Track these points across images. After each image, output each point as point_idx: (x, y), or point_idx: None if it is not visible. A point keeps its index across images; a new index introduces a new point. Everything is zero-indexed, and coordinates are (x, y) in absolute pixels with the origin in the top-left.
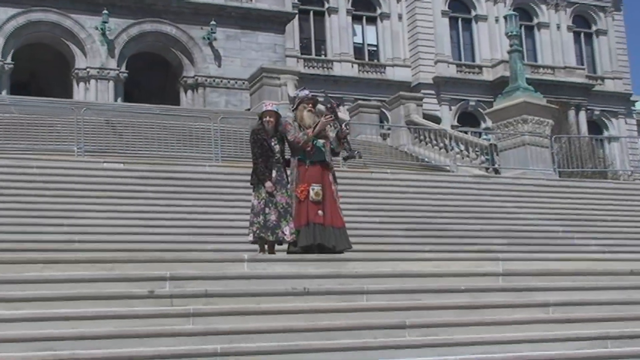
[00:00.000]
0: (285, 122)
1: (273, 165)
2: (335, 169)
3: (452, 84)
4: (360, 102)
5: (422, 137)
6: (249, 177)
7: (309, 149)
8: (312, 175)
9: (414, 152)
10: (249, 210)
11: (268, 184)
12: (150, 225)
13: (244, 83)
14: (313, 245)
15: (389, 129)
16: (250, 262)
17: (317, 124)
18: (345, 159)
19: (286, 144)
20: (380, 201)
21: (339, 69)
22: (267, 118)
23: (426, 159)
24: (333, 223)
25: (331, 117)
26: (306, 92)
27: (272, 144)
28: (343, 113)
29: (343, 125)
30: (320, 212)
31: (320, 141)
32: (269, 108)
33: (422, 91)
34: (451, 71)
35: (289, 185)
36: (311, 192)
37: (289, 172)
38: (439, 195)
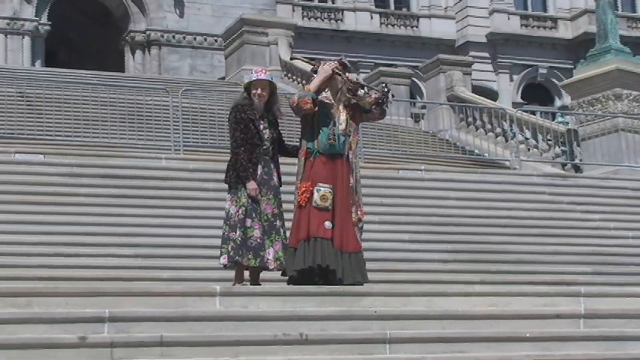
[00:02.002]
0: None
1: (260, 157)
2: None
3: (514, 43)
4: (382, 68)
5: (470, 119)
6: (222, 174)
7: (307, 107)
8: (320, 172)
9: (458, 141)
10: (221, 222)
11: (251, 184)
12: (83, 242)
13: (216, 41)
14: (313, 271)
15: (423, 107)
16: (224, 296)
17: (320, 75)
18: (377, 105)
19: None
20: (411, 210)
21: (352, 22)
22: (259, 90)
23: (476, 151)
24: (343, 245)
25: (337, 66)
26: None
27: (261, 127)
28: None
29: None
30: (327, 223)
31: (340, 118)
32: (262, 77)
33: (471, 53)
34: (513, 25)
35: (280, 188)
36: (315, 194)
37: (298, 164)
38: (494, 202)
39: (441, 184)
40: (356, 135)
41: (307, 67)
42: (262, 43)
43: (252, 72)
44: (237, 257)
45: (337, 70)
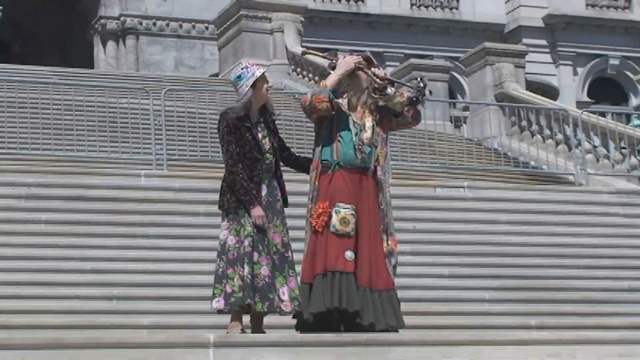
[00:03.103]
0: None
1: (262, 175)
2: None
3: (578, 28)
4: (413, 61)
5: (524, 124)
6: (216, 194)
7: (322, 106)
8: (340, 189)
9: (510, 151)
10: (215, 256)
11: (257, 210)
12: (44, 281)
13: (207, 28)
14: (331, 313)
15: (465, 108)
16: (219, 347)
17: (341, 68)
18: (411, 105)
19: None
20: (451, 238)
21: (375, 3)
22: (269, 84)
23: (532, 162)
24: (372, 281)
25: (361, 60)
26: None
27: (260, 137)
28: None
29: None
30: (349, 253)
31: (367, 124)
32: (262, 69)
33: (525, 41)
34: (577, 6)
35: (285, 213)
36: (334, 217)
37: (310, 179)
38: (556, 227)
39: (489, 204)
40: (385, 146)
41: (320, 60)
42: (264, 30)
43: (243, 68)
44: (242, 300)
45: (360, 65)
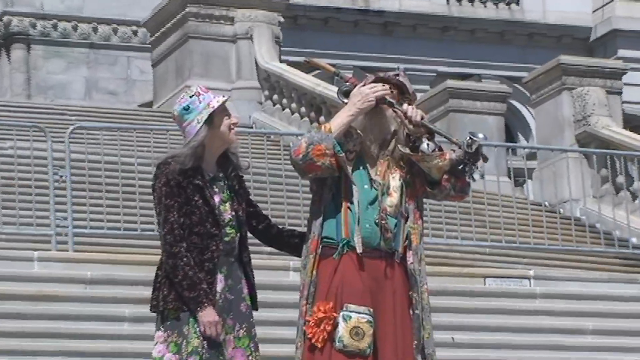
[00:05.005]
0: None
1: (219, 261)
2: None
3: None
4: (451, 83)
5: (621, 180)
6: (148, 291)
7: (322, 163)
8: (351, 283)
9: (599, 221)
10: None
11: (207, 314)
12: None
13: (135, 33)
14: None
15: (530, 156)
16: None
17: (355, 104)
18: (456, 173)
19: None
20: (510, 356)
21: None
22: (232, 119)
23: (634, 239)
24: None
25: (387, 91)
26: (390, 73)
27: (216, 201)
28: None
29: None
30: None
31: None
32: (221, 99)
33: (622, 53)
34: None
35: (254, 319)
36: (342, 326)
37: (304, 267)
38: None
39: (567, 304)
40: (419, 219)
41: (310, 82)
42: (223, 37)
43: (192, 95)
44: None
45: (388, 98)
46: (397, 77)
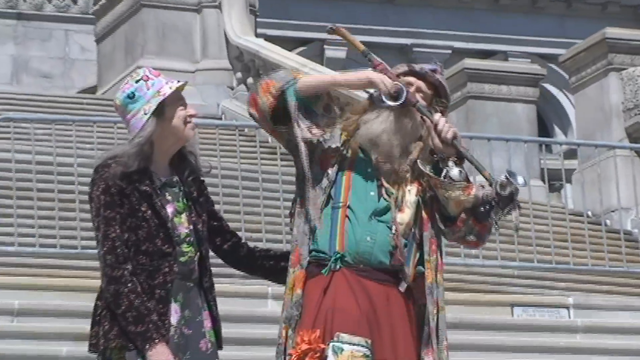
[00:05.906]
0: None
1: (173, 286)
2: None
3: None
4: (469, 62)
5: None
6: (85, 326)
7: (261, 101)
8: (345, 308)
9: None
10: None
11: (158, 353)
12: None
13: (75, 1)
14: None
15: (569, 153)
16: None
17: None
18: (478, 214)
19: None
20: None
21: None
22: (190, 110)
23: None
24: None
25: (417, 84)
26: (426, 67)
27: (169, 212)
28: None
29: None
30: None
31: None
32: (176, 83)
33: None
34: None
35: (215, 359)
36: (332, 359)
37: (287, 285)
38: None
39: (615, 340)
40: (435, 251)
41: (294, 62)
42: (184, 4)
43: (139, 79)
44: None
45: (421, 101)
46: (435, 75)
